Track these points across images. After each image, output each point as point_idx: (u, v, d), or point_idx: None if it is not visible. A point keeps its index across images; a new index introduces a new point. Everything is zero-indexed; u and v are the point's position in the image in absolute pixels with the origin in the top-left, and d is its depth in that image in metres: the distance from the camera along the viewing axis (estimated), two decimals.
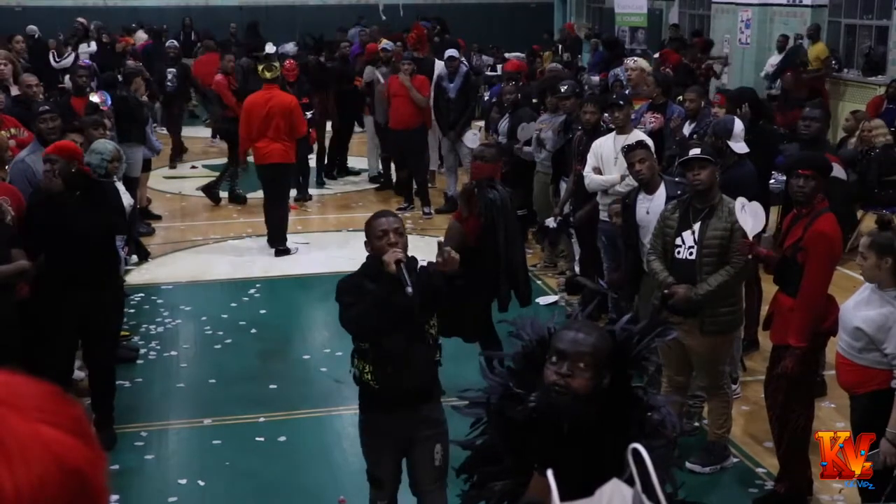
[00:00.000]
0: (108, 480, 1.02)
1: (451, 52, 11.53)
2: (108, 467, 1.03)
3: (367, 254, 4.04)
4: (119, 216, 5.98)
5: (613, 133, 7.39)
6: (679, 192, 5.67)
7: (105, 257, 5.79)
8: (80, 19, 17.73)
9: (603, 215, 7.23)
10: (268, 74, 9.63)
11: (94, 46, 16.76)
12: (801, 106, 8.35)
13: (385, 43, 12.13)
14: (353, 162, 13.30)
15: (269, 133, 9.47)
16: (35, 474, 0.91)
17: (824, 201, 4.97)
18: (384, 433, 4.16)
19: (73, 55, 14.34)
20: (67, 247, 5.50)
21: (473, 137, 10.73)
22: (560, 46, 16.78)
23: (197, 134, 15.69)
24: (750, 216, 5.06)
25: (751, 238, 5.05)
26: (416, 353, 3.99)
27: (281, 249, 9.75)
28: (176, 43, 14.95)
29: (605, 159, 7.31)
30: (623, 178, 6.99)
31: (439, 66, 11.86)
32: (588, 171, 7.43)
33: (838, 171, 6.58)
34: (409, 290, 3.71)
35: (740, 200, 5.14)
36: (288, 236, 10.00)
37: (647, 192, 6.07)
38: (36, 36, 16.00)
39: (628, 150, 6.19)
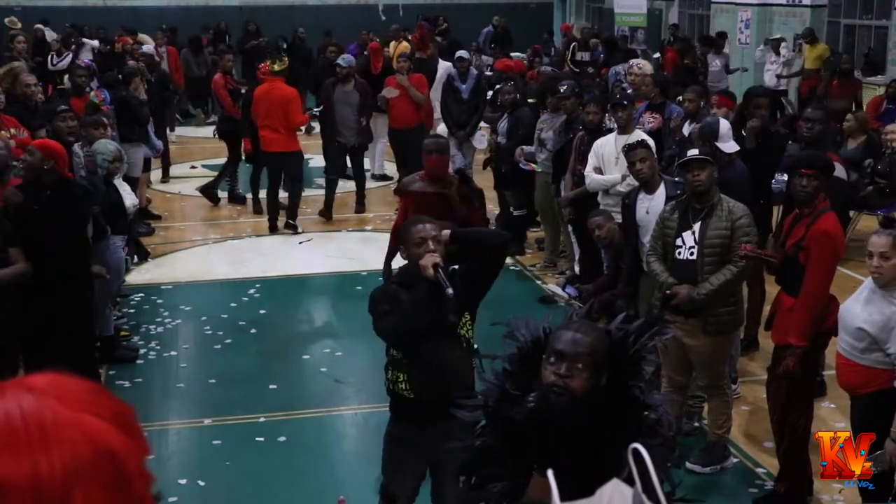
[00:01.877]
0: (148, 471, 1.11)
1: (461, 52, 11.51)
2: (147, 460, 1.11)
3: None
4: (91, 220, 5.91)
5: (615, 133, 7.40)
6: (679, 192, 5.67)
7: (67, 266, 5.65)
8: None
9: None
10: (275, 67, 10.16)
11: (96, 42, 16.71)
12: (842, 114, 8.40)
13: (342, 58, 11.30)
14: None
15: (271, 123, 10.00)
16: (68, 452, 1.00)
17: (825, 201, 4.97)
18: (411, 446, 4.04)
19: (69, 56, 14.30)
20: (29, 251, 5.43)
21: (481, 138, 10.74)
22: (575, 45, 16.67)
23: (196, 134, 15.72)
24: None
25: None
26: (453, 358, 3.88)
27: (292, 224, 10.41)
28: (151, 48, 14.56)
29: (607, 159, 7.32)
30: (624, 177, 7.00)
31: (443, 66, 11.86)
32: (589, 171, 7.44)
33: (839, 171, 6.57)
34: (450, 291, 3.64)
35: None
36: (288, 236, 10.17)
37: (647, 192, 6.07)
38: (42, 34, 15.99)
39: (629, 150, 6.20)
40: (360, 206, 11.26)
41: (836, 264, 5.03)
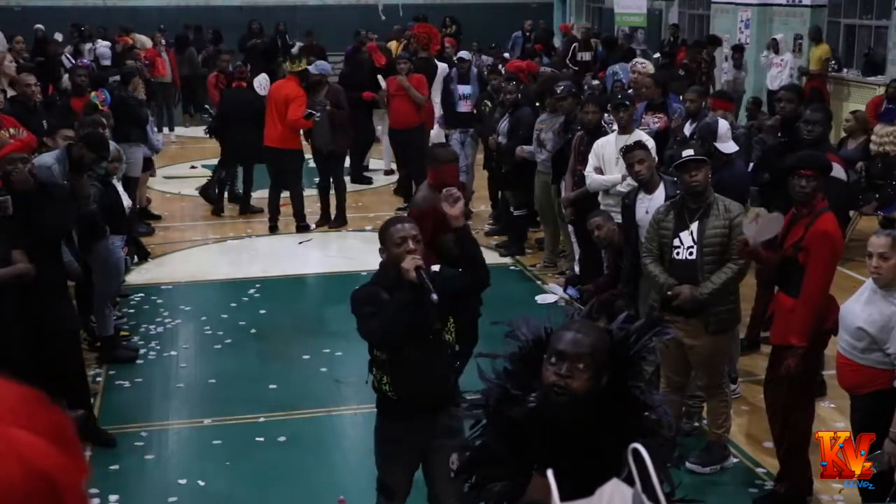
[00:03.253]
0: (86, 491, 0.99)
1: (462, 53, 11.47)
2: (87, 478, 0.99)
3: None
4: (68, 219, 5.85)
5: (615, 133, 7.40)
6: (678, 192, 5.67)
7: (48, 262, 5.59)
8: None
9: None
10: (293, 68, 10.48)
11: (108, 44, 16.70)
12: None
13: (315, 64, 10.47)
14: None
15: (273, 117, 10.12)
16: None
17: (824, 201, 4.97)
18: (400, 441, 4.07)
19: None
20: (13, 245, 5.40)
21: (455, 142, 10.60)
22: (576, 46, 16.62)
23: (195, 134, 15.72)
24: (759, 226, 4.96)
25: (752, 243, 5.03)
26: (436, 361, 3.90)
27: (303, 225, 10.47)
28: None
29: (607, 159, 7.33)
30: (624, 177, 7.00)
31: (442, 65, 11.84)
32: (589, 171, 7.44)
33: (838, 172, 6.56)
34: (434, 297, 3.60)
35: (756, 211, 5.09)
36: (288, 236, 10.17)
37: (647, 192, 6.08)
38: (42, 34, 15.98)
39: (627, 151, 6.21)
40: (341, 219, 10.67)
41: (836, 264, 5.03)
